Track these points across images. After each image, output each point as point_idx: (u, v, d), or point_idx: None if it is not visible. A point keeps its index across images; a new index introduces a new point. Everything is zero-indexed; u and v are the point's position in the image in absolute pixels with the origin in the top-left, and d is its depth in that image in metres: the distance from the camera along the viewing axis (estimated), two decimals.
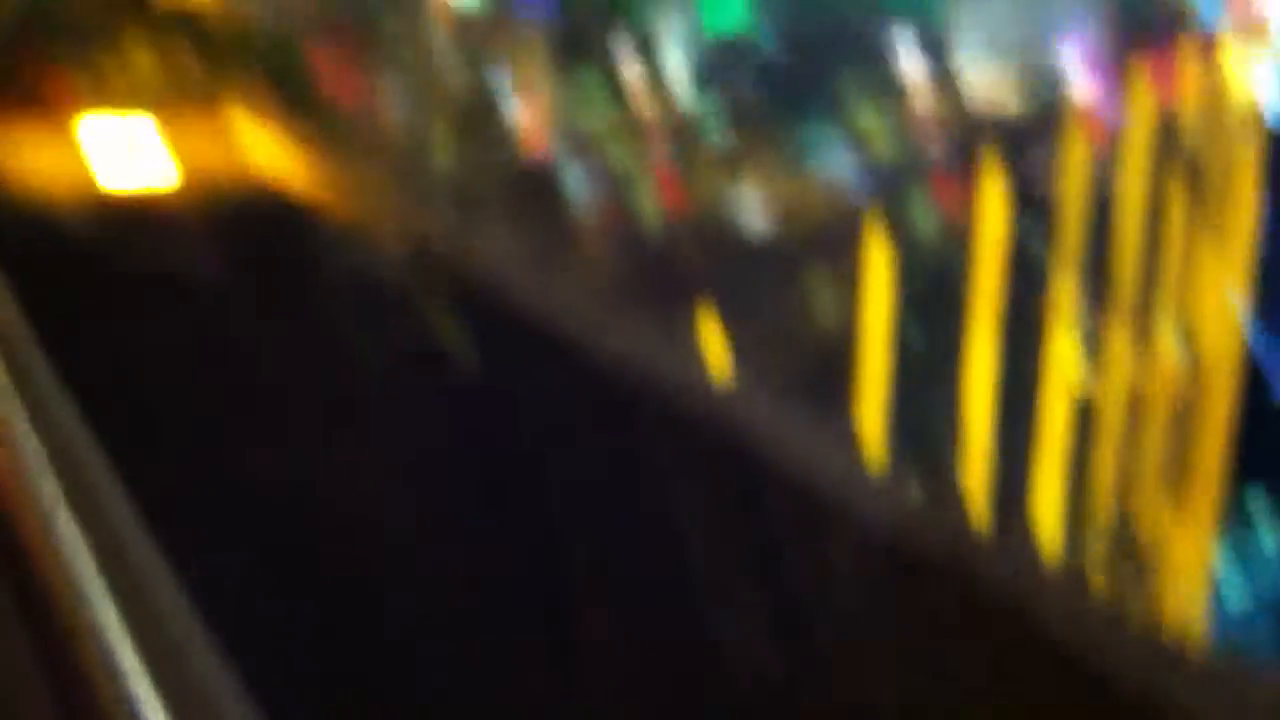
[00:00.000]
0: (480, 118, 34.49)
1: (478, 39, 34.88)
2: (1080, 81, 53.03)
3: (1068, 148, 36.98)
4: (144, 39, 16.99)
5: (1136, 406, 36.50)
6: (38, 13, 16.72)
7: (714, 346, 33.33)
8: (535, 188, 34.36)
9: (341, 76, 26.29)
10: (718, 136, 41.19)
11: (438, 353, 13.81)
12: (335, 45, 25.62)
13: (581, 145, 37.53)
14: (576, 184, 36.89)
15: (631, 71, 39.37)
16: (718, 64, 42.78)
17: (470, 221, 26.28)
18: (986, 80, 50.55)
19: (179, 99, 16.75)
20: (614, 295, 33.68)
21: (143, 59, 16.38)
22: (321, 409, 12.68)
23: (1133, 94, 44.24)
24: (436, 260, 16.10)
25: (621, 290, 33.90)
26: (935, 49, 46.80)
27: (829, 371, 33.94)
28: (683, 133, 40.01)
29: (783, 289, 37.64)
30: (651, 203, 38.35)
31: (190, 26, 18.34)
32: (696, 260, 35.43)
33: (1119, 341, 37.23)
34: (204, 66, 17.44)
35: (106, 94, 15.81)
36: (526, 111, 35.72)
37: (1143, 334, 37.66)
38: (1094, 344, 37.29)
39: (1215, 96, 55.51)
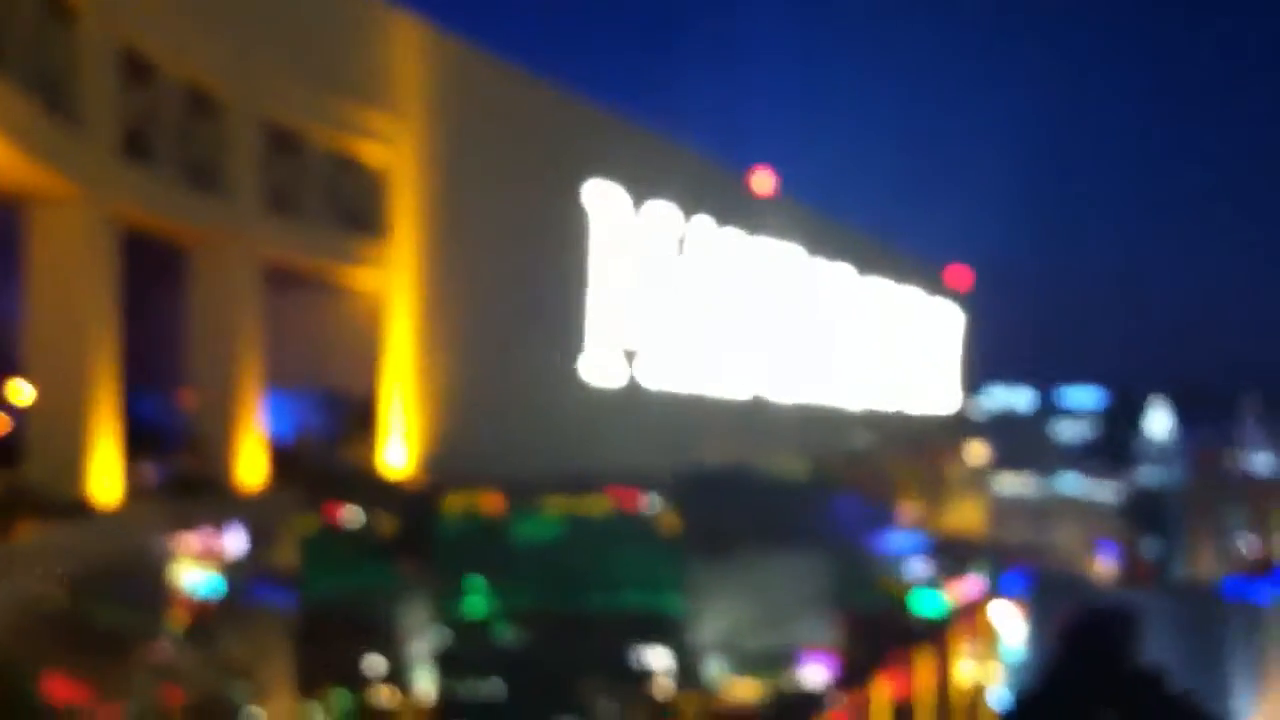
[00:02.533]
0: (219, 712, 32.97)
1: (217, 629, 33.88)
2: (820, 681, 55.03)
3: None
4: None
5: None
6: None
7: None
8: None
9: (74, 693, 24.96)
10: None
11: None
12: (70, 665, 24.48)
13: None
14: None
15: (374, 665, 38.74)
16: (459, 649, 42.58)
17: None
18: (730, 679, 51.76)
19: None
20: None
21: None
22: None
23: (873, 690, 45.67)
24: None
25: None
26: (677, 647, 47.84)
27: None
28: None
29: None
30: None
31: None
32: None
33: None
34: None
35: None
36: (268, 706, 34.36)
37: None
38: None
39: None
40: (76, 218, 28.54)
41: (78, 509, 28.26)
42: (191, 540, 32.20)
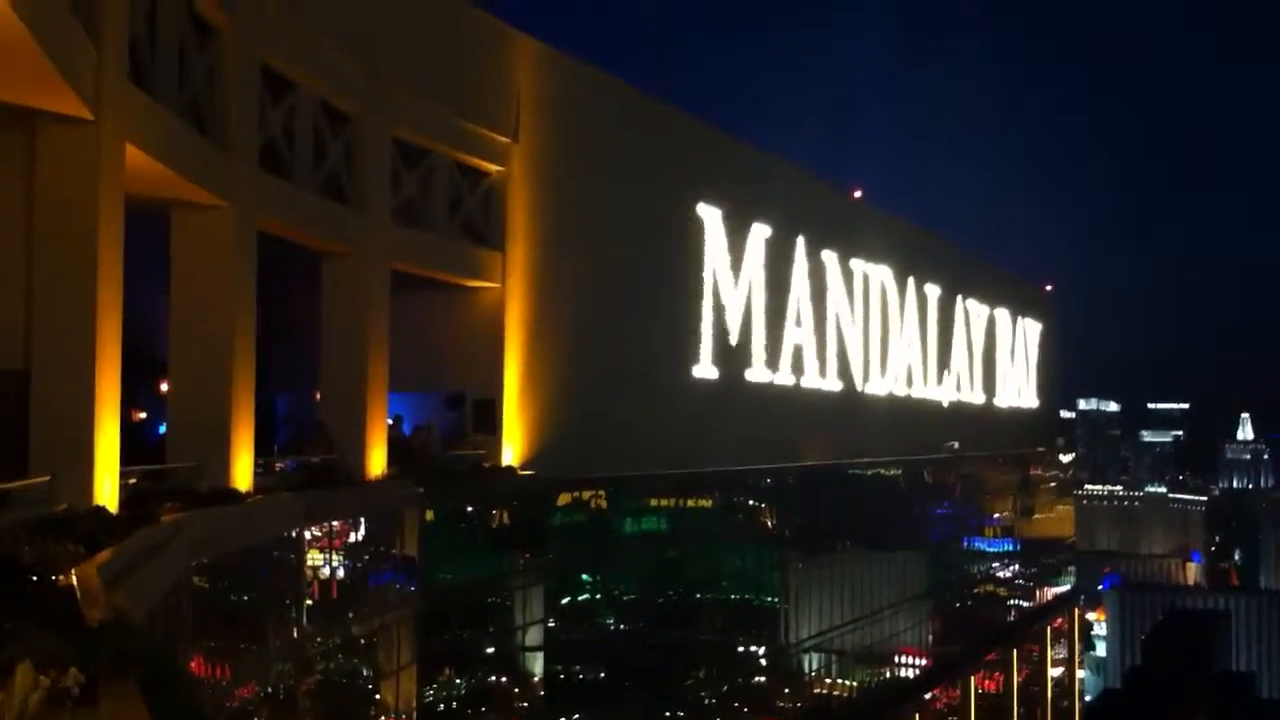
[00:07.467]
0: (345, 692, 33.10)
1: (342, 612, 33.98)
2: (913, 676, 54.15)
3: None
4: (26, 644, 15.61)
5: None
6: None
7: None
8: None
9: (213, 671, 25.13)
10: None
11: None
12: (208, 645, 24.66)
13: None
14: None
15: (488, 649, 38.71)
16: (568, 636, 42.44)
17: None
18: (826, 672, 51.22)
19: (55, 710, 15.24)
20: None
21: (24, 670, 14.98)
22: None
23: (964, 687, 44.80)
24: None
25: None
26: (775, 640, 47.35)
27: None
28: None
29: None
30: None
31: (67, 629, 17.04)
32: None
33: None
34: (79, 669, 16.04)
35: None
36: (389, 686, 34.43)
37: None
38: None
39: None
40: (216, 226, 28.78)
41: (216, 498, 28.41)
42: (321, 528, 32.37)
